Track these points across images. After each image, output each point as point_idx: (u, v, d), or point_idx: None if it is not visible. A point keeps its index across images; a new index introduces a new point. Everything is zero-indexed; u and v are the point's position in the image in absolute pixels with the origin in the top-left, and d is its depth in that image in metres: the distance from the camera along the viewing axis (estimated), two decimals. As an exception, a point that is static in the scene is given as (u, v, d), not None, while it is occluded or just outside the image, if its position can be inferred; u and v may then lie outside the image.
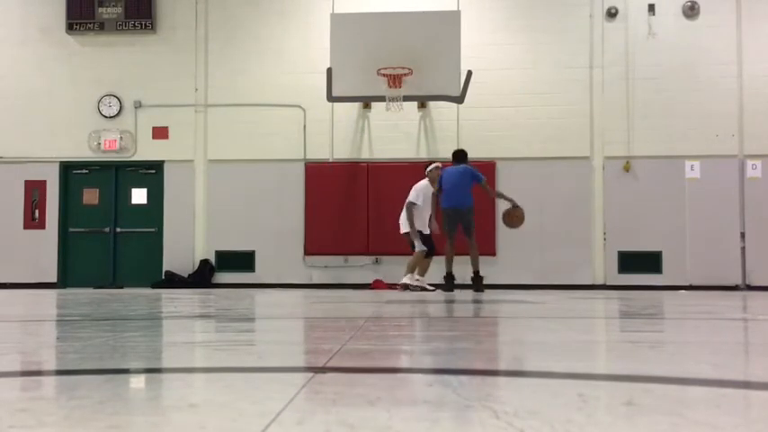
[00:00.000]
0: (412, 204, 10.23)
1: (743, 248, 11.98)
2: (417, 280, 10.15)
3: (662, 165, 12.10)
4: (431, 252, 10.19)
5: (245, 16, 12.70)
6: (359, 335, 2.95)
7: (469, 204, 9.73)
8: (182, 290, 10.59)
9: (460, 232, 9.69)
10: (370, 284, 11.88)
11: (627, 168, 12.18)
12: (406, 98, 10.89)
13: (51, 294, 8.79)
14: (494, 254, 12.16)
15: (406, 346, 2.57)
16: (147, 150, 12.72)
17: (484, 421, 1.23)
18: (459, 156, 10.09)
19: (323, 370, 1.91)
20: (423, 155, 12.38)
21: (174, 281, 12.18)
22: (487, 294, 8.77)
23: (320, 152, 12.44)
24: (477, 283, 9.72)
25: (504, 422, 1.22)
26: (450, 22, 10.86)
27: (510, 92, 12.27)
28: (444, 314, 4.84)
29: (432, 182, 10.21)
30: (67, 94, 12.75)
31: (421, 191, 10.27)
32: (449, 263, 9.77)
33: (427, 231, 10.26)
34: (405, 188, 12.19)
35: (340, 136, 12.51)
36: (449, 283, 9.74)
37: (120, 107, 12.74)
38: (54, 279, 12.56)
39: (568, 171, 12.18)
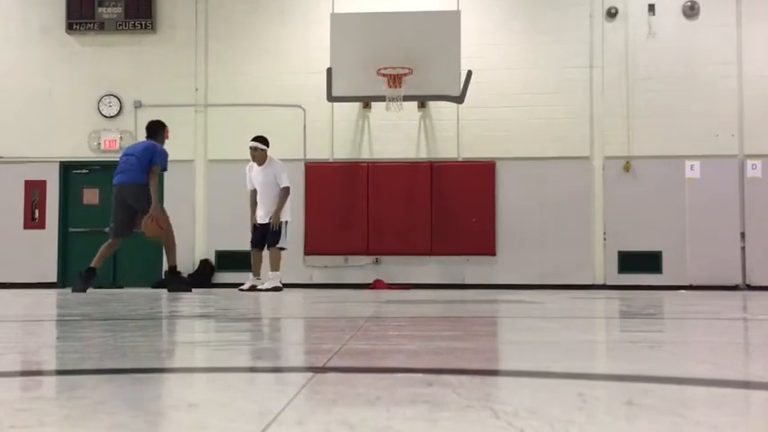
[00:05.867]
0: (288, 189, 9.84)
1: (743, 248, 11.99)
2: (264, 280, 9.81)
3: (662, 165, 12.10)
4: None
5: (245, 16, 12.70)
6: (359, 335, 2.95)
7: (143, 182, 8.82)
8: (182, 290, 10.56)
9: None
10: (370, 284, 11.89)
11: (627, 168, 12.19)
12: (406, 98, 10.91)
13: (51, 294, 8.79)
14: (493, 254, 12.17)
15: (405, 346, 2.57)
16: (147, 150, 12.70)
17: (484, 421, 1.23)
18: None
19: (323, 370, 1.91)
20: (423, 155, 12.38)
21: (173, 281, 12.16)
22: (487, 294, 8.74)
23: (320, 152, 12.44)
24: (173, 281, 9.02)
25: (504, 422, 1.22)
26: (450, 22, 10.88)
27: (510, 92, 12.27)
28: (444, 314, 4.84)
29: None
30: (67, 94, 12.76)
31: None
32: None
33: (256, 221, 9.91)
34: (405, 188, 12.23)
35: (340, 136, 12.51)
36: (87, 278, 8.88)
37: (120, 107, 12.75)
38: (54, 279, 12.56)
39: (568, 171, 12.18)
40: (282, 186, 9.79)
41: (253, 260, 9.91)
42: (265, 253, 9.94)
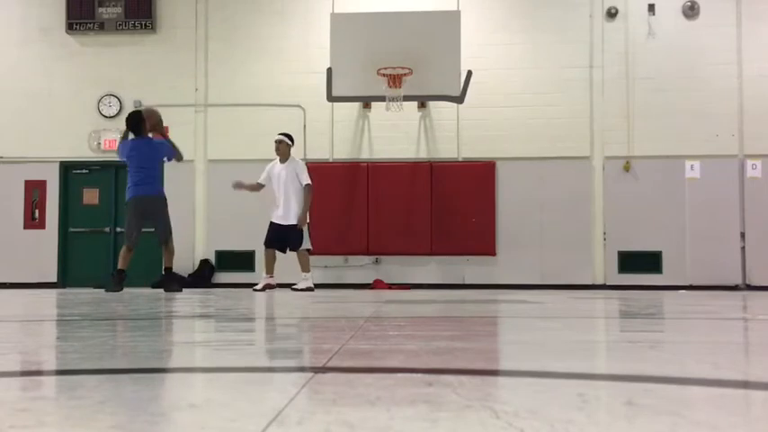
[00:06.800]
0: (311, 186, 9.77)
1: (743, 248, 11.98)
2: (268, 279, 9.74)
3: (662, 165, 12.10)
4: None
5: (245, 16, 12.70)
6: (359, 335, 2.95)
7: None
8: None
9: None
10: (370, 284, 11.89)
11: (627, 168, 12.19)
12: (406, 98, 10.90)
13: (51, 294, 8.79)
14: (493, 254, 12.16)
15: (405, 346, 2.57)
16: (147, 150, 12.70)
17: (484, 421, 1.23)
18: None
19: (323, 370, 1.91)
20: (423, 155, 12.38)
21: (173, 281, 12.16)
22: (488, 294, 8.74)
23: (320, 152, 12.44)
24: (169, 282, 9.06)
25: (504, 422, 1.22)
26: (450, 22, 10.87)
27: (510, 92, 12.27)
28: (444, 314, 4.84)
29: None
30: (67, 94, 12.75)
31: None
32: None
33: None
34: (405, 188, 12.23)
35: (340, 136, 12.51)
36: (119, 280, 8.92)
37: (120, 107, 12.74)
38: (54, 279, 12.56)
39: (568, 171, 12.18)
40: (305, 184, 9.72)
41: (266, 259, 9.82)
42: (285, 255, 9.91)
